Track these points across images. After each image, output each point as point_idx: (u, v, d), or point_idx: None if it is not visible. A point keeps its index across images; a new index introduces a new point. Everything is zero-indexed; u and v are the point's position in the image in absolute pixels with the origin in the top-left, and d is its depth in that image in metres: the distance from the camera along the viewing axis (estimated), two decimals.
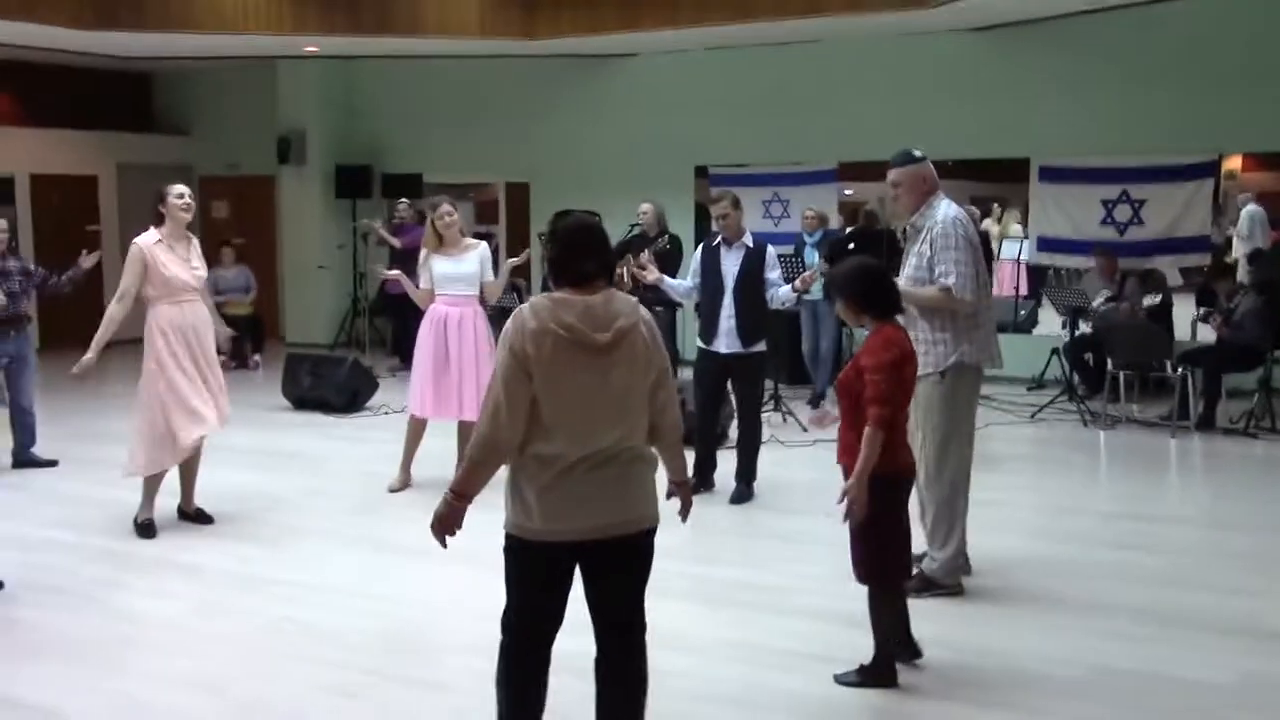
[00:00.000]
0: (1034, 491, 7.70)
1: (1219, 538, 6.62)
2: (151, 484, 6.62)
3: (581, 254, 3.45)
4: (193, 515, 6.85)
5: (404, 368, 12.02)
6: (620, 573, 3.51)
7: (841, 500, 4.29)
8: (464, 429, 7.44)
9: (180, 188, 6.61)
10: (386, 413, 10.07)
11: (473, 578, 5.21)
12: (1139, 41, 10.90)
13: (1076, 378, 10.36)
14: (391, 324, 13.56)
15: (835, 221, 12.33)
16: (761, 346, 7.28)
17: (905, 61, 11.98)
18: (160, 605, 5.58)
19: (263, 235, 15.49)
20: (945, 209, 5.34)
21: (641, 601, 3.57)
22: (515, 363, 3.33)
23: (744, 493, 7.30)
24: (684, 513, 3.76)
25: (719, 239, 7.32)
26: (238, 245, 13.87)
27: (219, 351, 6.93)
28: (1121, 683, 4.54)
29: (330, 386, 10.28)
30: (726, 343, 7.18)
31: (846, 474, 4.36)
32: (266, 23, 11.29)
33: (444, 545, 3.51)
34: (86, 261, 8.14)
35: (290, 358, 10.84)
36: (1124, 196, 11.26)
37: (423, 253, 7.63)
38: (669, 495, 3.72)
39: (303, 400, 10.41)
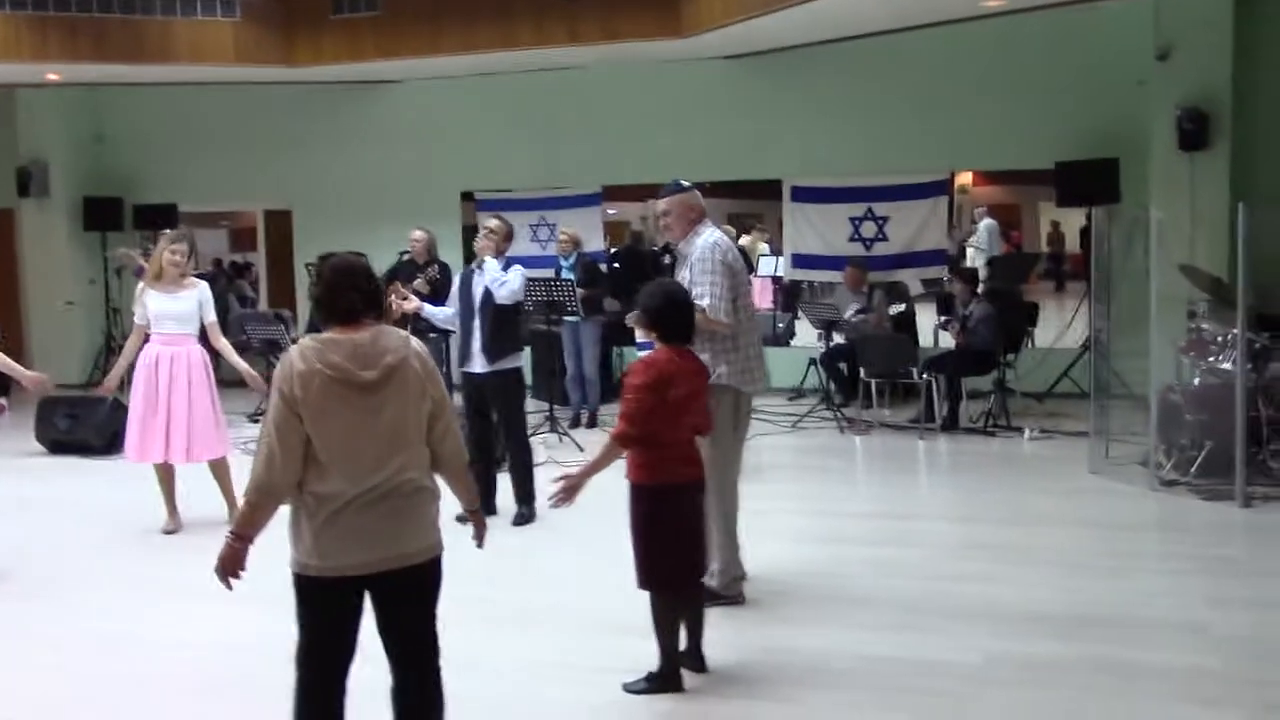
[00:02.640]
0: (798, 498, 8.15)
1: (962, 530, 7.21)
2: None
3: (346, 293, 3.54)
4: None
5: None
6: (407, 603, 3.60)
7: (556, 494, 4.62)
8: (214, 467, 7.44)
9: None
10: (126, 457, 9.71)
11: (259, 616, 5.17)
12: (878, 68, 11.66)
13: (833, 387, 10.97)
14: None
15: (600, 243, 12.67)
16: (509, 364, 7.39)
17: (663, 88, 12.42)
18: None
19: (2, 272, 14.65)
20: (706, 235, 5.65)
21: (432, 629, 3.66)
22: (285, 405, 3.42)
23: (524, 515, 7.44)
24: (478, 539, 3.89)
25: (475, 264, 7.48)
26: None
27: None
28: (883, 669, 4.93)
29: (90, 428, 9.87)
30: (479, 363, 7.34)
31: (633, 490, 4.63)
32: (4, 50, 10.76)
33: (229, 586, 3.55)
34: None
35: (43, 400, 10.29)
36: (869, 214, 11.99)
37: (139, 286, 7.48)
38: (460, 520, 3.84)
39: (59, 443, 9.95)
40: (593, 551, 6.67)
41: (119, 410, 10.01)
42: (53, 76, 12.23)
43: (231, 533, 3.53)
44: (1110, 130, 10.78)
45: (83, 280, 14.05)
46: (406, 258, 10.55)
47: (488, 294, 7.29)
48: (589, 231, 12.26)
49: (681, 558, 4.69)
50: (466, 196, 13.41)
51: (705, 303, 5.44)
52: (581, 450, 9.54)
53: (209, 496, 7.45)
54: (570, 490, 4.58)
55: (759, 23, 9.91)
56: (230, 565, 3.53)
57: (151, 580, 6.52)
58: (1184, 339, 8.51)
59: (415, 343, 3.62)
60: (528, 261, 12.67)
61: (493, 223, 7.56)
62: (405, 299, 7.52)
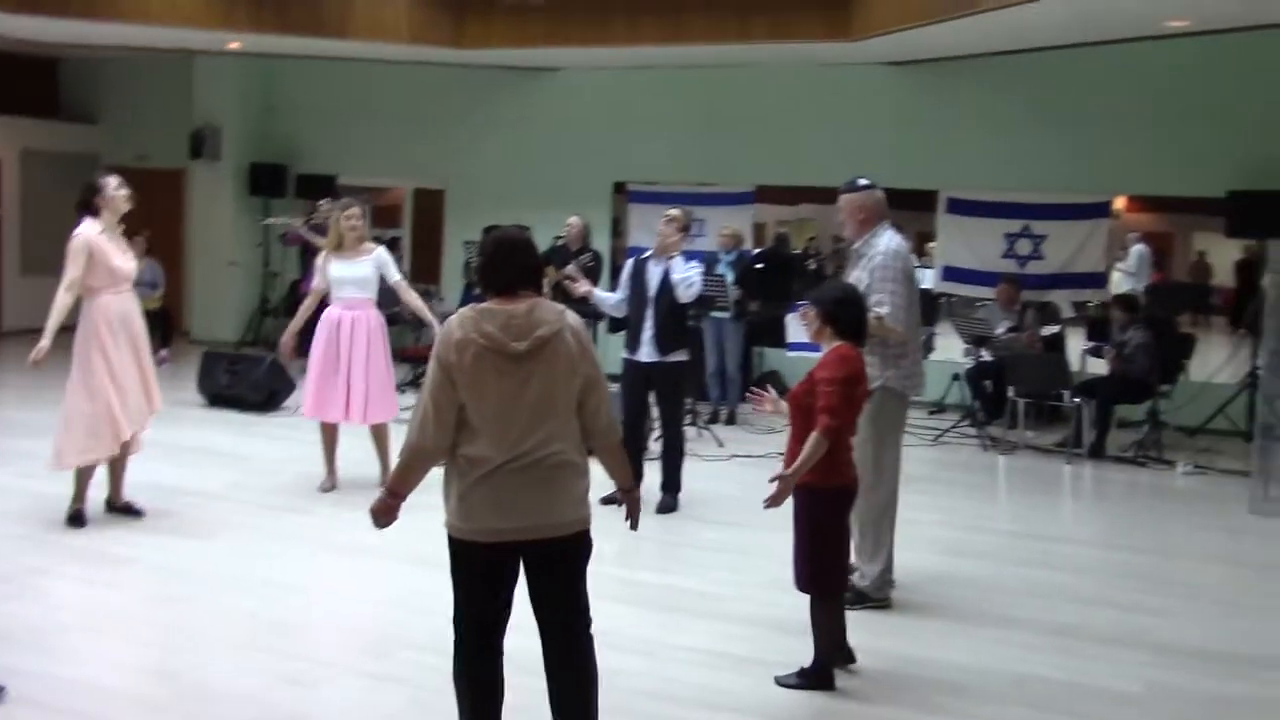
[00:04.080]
0: (942, 511, 8.00)
1: (1115, 558, 7.03)
2: (84, 476, 6.57)
3: (505, 266, 3.63)
4: (121, 508, 6.81)
5: None
6: (555, 573, 3.67)
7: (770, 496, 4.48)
8: (375, 430, 7.62)
9: (117, 179, 6.60)
10: (303, 413, 10.02)
11: (411, 575, 5.34)
12: (1046, 83, 11.41)
13: (977, 404, 10.79)
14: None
15: (748, 243, 12.63)
16: (677, 356, 7.44)
17: (825, 91, 12.34)
18: (99, 594, 5.58)
19: (169, 229, 15.18)
20: (887, 240, 5.60)
21: (581, 599, 3.72)
22: (441, 371, 3.53)
23: (669, 503, 7.48)
24: (632, 519, 3.91)
25: (648, 254, 7.53)
26: (146, 238, 13.58)
27: None
28: (1041, 689, 4.85)
29: (248, 385, 10.23)
30: (647, 352, 7.38)
31: (806, 493, 4.60)
32: (194, 17, 11.16)
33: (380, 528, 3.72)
34: None
35: (208, 355, 10.74)
36: (1026, 231, 11.77)
37: (321, 254, 7.71)
38: (610, 501, 3.87)
39: (219, 397, 10.33)
40: (736, 543, 6.72)
41: (276, 369, 10.38)
42: (234, 45, 12.67)
43: (385, 489, 3.68)
44: None
45: (245, 243, 14.53)
46: (560, 243, 10.70)
47: (664, 285, 7.30)
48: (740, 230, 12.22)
49: (841, 558, 4.70)
50: (619, 188, 13.51)
51: (884, 310, 5.41)
52: (721, 445, 9.58)
53: (365, 458, 7.65)
54: (785, 492, 4.50)
55: (931, 30, 9.76)
56: (383, 517, 3.68)
57: (301, 532, 6.73)
58: None
59: (571, 317, 3.66)
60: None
61: (675, 211, 7.56)
62: (573, 280, 7.64)
